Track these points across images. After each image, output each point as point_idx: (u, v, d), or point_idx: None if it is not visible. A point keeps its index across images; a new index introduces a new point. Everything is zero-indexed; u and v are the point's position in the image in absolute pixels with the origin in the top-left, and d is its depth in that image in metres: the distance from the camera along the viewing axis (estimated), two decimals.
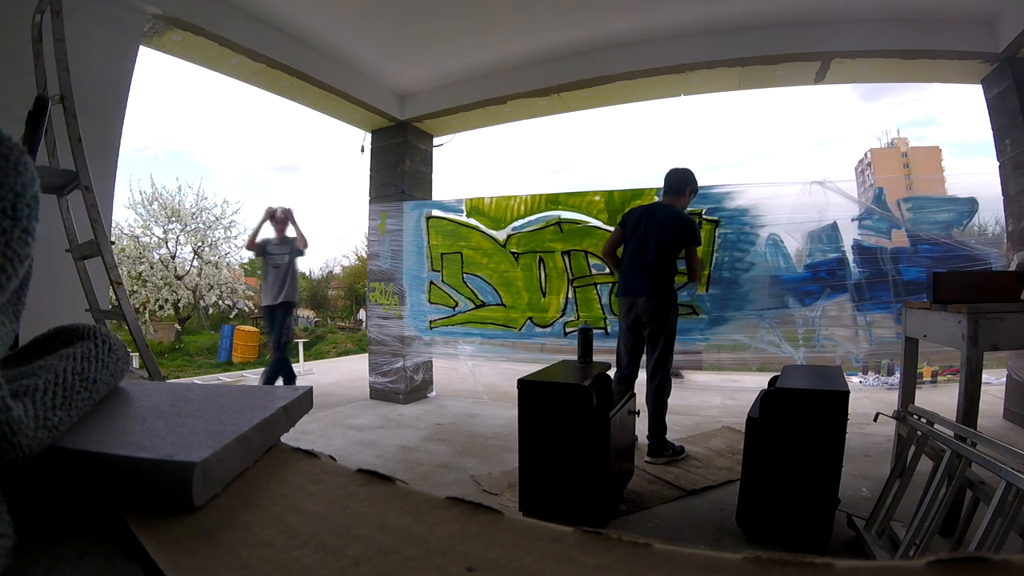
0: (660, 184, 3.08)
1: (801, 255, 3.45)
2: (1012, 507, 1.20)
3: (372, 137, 4.67)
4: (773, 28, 3.35)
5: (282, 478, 0.29)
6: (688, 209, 3.25)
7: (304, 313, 14.44)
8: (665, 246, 2.77)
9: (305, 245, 3.96)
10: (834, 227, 3.34)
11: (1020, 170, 3.12)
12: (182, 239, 11.89)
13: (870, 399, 4.09)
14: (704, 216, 3.47)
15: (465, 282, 4.06)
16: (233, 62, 3.32)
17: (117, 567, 0.21)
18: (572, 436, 1.94)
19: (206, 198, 12.12)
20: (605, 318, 3.69)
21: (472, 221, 4.04)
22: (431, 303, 4.20)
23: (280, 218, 3.90)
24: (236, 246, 12.35)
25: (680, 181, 2.94)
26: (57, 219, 1.84)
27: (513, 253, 3.93)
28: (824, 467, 1.73)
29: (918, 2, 3.09)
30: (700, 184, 3.04)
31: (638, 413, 2.45)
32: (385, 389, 4.38)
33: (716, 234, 3.46)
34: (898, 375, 2.89)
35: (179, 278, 11.56)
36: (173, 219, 11.69)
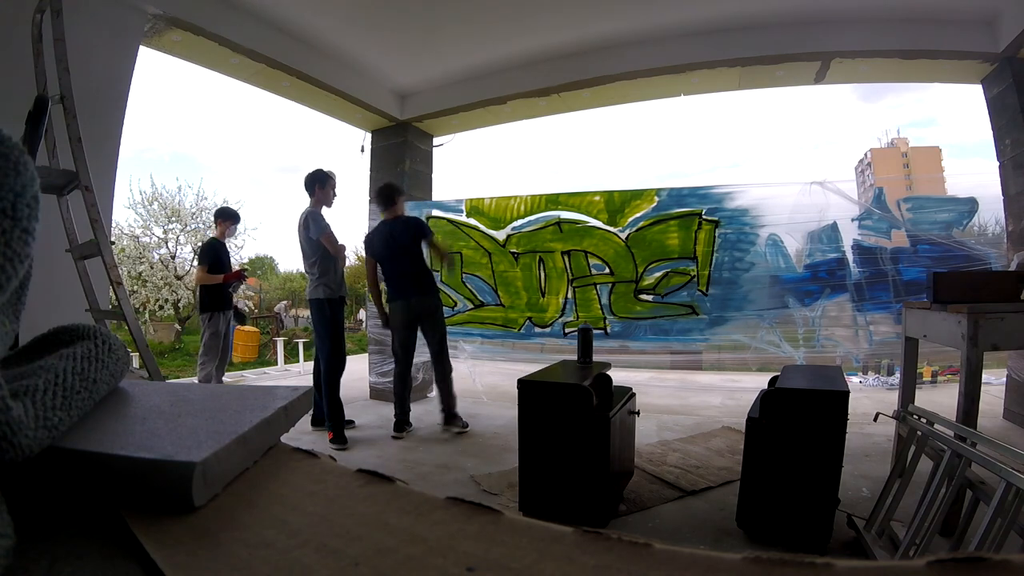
0: (660, 184, 3.13)
1: (801, 255, 3.45)
2: (1012, 507, 1.20)
3: (372, 137, 4.67)
4: (773, 28, 3.35)
5: (282, 478, 0.29)
6: (685, 209, 3.30)
7: (304, 313, 14.45)
8: (413, 252, 3.25)
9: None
10: (834, 227, 3.35)
11: (1020, 170, 3.12)
12: (182, 239, 11.91)
13: (870, 399, 4.09)
14: (704, 216, 3.48)
15: (464, 282, 4.06)
16: (233, 62, 3.32)
17: (117, 567, 0.21)
18: (572, 436, 1.94)
19: (206, 198, 12.16)
20: (604, 318, 3.70)
21: (472, 221, 4.05)
22: None
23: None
24: (236, 246, 12.36)
25: (386, 194, 3.31)
26: (57, 219, 1.84)
27: (513, 253, 3.93)
28: (824, 467, 1.73)
29: (918, 2, 3.09)
30: (700, 184, 3.12)
31: (638, 413, 2.45)
32: (385, 389, 4.37)
33: (716, 234, 3.46)
34: (898, 375, 2.89)
35: (179, 278, 11.57)
36: (173, 219, 11.71)
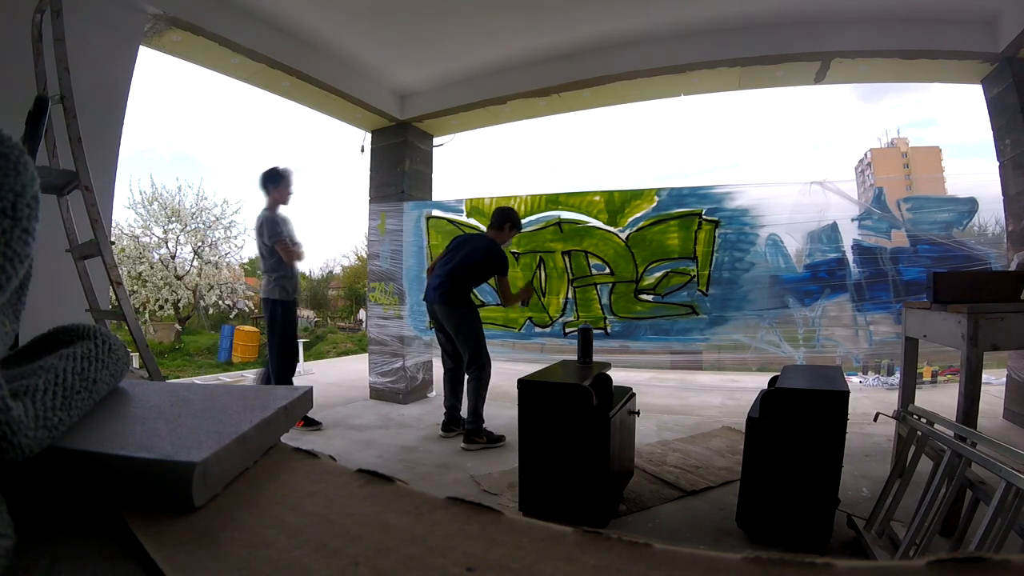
0: (660, 184, 3.14)
1: (801, 255, 3.45)
2: (1012, 507, 1.20)
3: (372, 137, 4.66)
4: (773, 28, 3.35)
5: (282, 478, 0.29)
6: (685, 209, 3.27)
7: (304, 313, 14.47)
8: (468, 265, 3.11)
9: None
10: (834, 227, 3.35)
11: (1020, 170, 3.12)
12: (182, 239, 11.92)
13: (870, 399, 4.09)
14: (704, 216, 3.48)
15: None
16: (233, 62, 3.32)
17: (117, 567, 0.21)
18: (572, 436, 1.94)
19: (206, 198, 12.17)
20: (605, 318, 3.70)
21: (472, 221, 4.04)
22: None
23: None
24: (236, 246, 12.37)
25: (500, 217, 3.27)
26: (57, 219, 1.84)
27: (513, 253, 3.93)
28: (824, 467, 1.73)
29: (918, 2, 3.09)
30: (700, 184, 3.11)
31: (638, 413, 2.45)
32: (385, 389, 4.37)
33: (716, 234, 3.46)
34: (898, 375, 2.89)
35: (179, 278, 11.57)
36: (173, 219, 11.71)
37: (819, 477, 1.73)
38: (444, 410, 3.33)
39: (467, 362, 3.14)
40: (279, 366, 3.29)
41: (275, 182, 3.20)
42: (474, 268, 3.13)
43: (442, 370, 3.39)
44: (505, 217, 3.27)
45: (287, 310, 3.29)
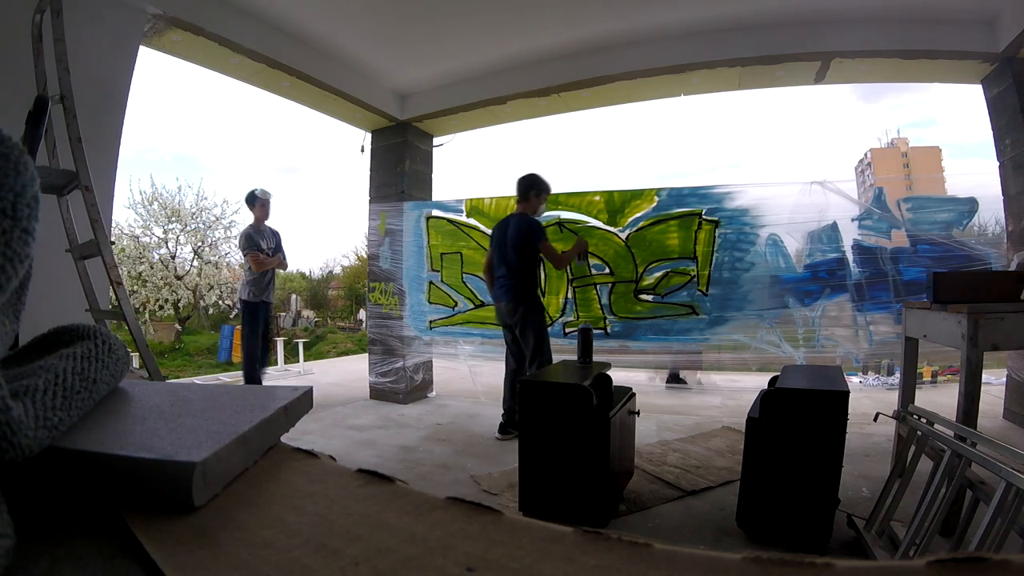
0: (660, 184, 3.15)
1: (801, 255, 3.45)
2: (1012, 507, 1.20)
3: (372, 137, 4.66)
4: (773, 28, 3.35)
5: (282, 478, 0.29)
6: (685, 209, 3.26)
7: (304, 313, 14.48)
8: (515, 252, 3.14)
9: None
10: (834, 227, 3.34)
11: (1020, 170, 3.12)
12: (182, 239, 11.92)
13: (870, 399, 4.09)
14: (704, 216, 3.48)
15: (464, 282, 4.06)
16: (233, 62, 3.32)
17: (117, 567, 0.21)
18: (572, 436, 1.94)
19: (206, 198, 12.17)
20: (605, 318, 3.69)
21: (472, 221, 4.04)
22: (431, 303, 4.20)
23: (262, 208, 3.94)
24: (236, 246, 12.37)
25: (523, 186, 3.25)
26: (57, 219, 1.84)
27: None
28: (824, 467, 1.73)
29: (918, 2, 3.09)
30: (700, 184, 3.10)
31: (638, 413, 2.45)
32: (385, 389, 4.37)
33: (716, 234, 3.46)
34: (898, 375, 2.89)
35: (179, 278, 11.58)
36: (173, 219, 11.71)
37: (819, 477, 1.73)
38: (502, 411, 3.28)
39: (528, 358, 3.11)
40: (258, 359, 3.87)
41: (251, 203, 3.87)
42: (520, 251, 3.12)
43: (504, 370, 3.33)
44: (529, 185, 3.22)
45: (248, 309, 3.87)
